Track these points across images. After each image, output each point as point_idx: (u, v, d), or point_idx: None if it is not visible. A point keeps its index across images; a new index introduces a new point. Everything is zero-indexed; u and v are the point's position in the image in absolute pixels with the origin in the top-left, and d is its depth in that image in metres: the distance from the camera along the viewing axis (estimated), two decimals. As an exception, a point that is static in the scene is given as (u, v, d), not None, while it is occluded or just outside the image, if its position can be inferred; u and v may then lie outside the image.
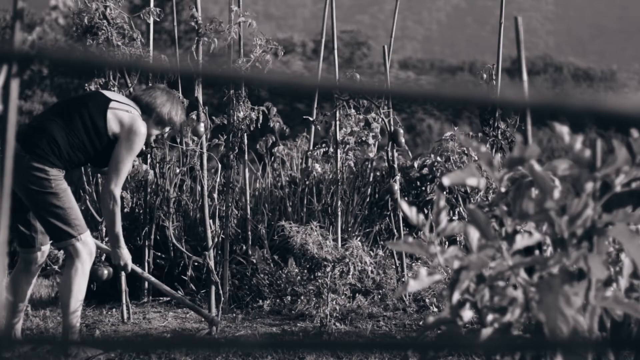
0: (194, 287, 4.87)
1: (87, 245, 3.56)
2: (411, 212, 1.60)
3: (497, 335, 1.46)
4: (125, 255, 3.77)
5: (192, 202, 5.26)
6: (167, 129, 3.92)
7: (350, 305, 4.48)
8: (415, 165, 5.77)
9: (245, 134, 4.77)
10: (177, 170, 5.11)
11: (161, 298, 4.85)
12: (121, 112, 3.62)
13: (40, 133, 3.50)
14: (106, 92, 3.76)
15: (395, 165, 5.08)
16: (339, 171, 5.15)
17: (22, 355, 2.94)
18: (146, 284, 4.84)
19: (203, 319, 4.20)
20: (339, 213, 5.11)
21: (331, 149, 5.44)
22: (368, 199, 5.55)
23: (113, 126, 3.60)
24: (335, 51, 5.32)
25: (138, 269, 4.01)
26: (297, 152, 6.20)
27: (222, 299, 4.31)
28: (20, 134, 3.51)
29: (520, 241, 1.52)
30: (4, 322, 3.66)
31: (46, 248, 3.73)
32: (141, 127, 3.63)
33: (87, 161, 3.71)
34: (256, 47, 4.38)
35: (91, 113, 3.59)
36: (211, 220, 4.54)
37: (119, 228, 3.68)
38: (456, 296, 1.46)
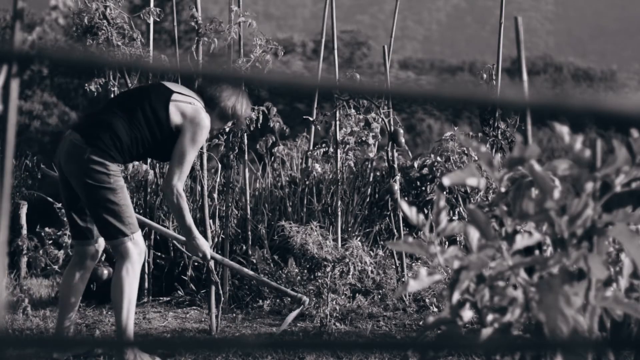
0: (194, 287, 4.87)
1: (138, 245, 3.46)
2: (411, 212, 1.60)
3: (497, 335, 1.46)
4: (202, 245, 3.68)
5: (192, 202, 5.26)
6: (229, 123, 3.85)
7: (350, 305, 4.48)
8: (415, 165, 5.77)
9: (245, 134, 4.77)
10: (177, 170, 5.10)
11: (161, 298, 4.85)
12: (184, 104, 3.54)
13: (103, 126, 3.43)
14: (168, 84, 3.67)
15: (395, 165, 5.08)
16: (339, 171, 5.15)
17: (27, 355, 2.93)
18: (146, 283, 4.84)
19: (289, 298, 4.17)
20: (339, 213, 5.11)
21: (331, 149, 5.44)
22: (368, 199, 5.55)
23: (175, 119, 3.52)
24: (335, 51, 5.32)
25: (218, 256, 3.97)
26: (297, 152, 6.20)
27: (222, 299, 4.31)
28: (82, 125, 3.47)
29: (520, 241, 1.52)
30: (57, 319, 3.64)
31: (102, 241, 3.63)
32: (205, 120, 3.54)
33: (147, 154, 3.65)
34: (256, 47, 4.38)
35: (153, 105, 3.51)
36: (211, 220, 4.54)
37: (189, 220, 3.59)
38: (456, 296, 1.46)
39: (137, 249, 3.46)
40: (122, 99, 3.62)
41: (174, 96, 3.55)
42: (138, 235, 3.47)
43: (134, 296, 3.46)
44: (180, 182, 3.50)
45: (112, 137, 3.41)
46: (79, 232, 3.59)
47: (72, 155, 3.40)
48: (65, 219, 4.78)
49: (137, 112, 3.49)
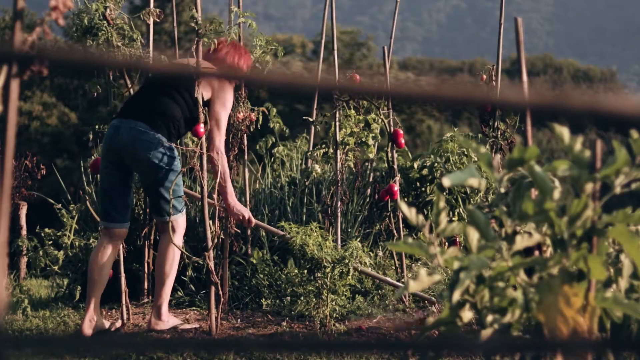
0: (193, 288, 4.87)
1: (184, 219, 4.00)
2: (411, 213, 1.60)
3: (496, 335, 1.46)
4: (243, 207, 4.11)
5: (192, 202, 5.26)
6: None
7: (350, 306, 4.48)
8: (415, 166, 5.77)
9: (245, 135, 4.77)
10: (177, 171, 5.10)
11: (161, 299, 4.85)
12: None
13: (163, 113, 3.83)
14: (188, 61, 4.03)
15: (395, 166, 5.08)
16: (338, 172, 5.15)
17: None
18: (146, 283, 4.84)
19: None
20: (339, 214, 5.11)
21: (331, 150, 5.44)
22: (368, 200, 5.55)
23: (206, 93, 3.89)
24: (335, 52, 5.32)
25: (261, 223, 4.44)
26: (297, 153, 6.20)
27: (222, 299, 4.31)
28: (141, 113, 3.82)
29: (520, 242, 1.52)
30: (91, 296, 3.88)
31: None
32: (229, 85, 3.96)
33: (186, 131, 4.05)
34: (256, 48, 4.38)
35: (186, 86, 3.86)
36: (211, 221, 4.53)
37: (230, 183, 4.06)
38: (456, 297, 1.46)
39: (184, 222, 4.01)
40: (159, 84, 3.96)
41: None
42: (184, 210, 4.00)
43: (176, 262, 4.01)
44: (221, 144, 3.95)
45: (172, 121, 3.84)
46: (123, 216, 3.92)
47: (139, 142, 3.77)
48: (62, 218, 4.79)
49: (177, 96, 3.88)
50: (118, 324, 4.09)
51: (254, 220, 4.17)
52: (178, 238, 3.94)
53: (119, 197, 3.89)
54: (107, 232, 3.90)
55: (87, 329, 3.84)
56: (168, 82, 3.93)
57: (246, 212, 4.10)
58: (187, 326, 4.11)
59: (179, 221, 3.93)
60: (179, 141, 4.96)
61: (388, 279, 4.67)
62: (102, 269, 3.88)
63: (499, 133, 5.41)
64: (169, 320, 4.02)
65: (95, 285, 3.87)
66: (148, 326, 4.03)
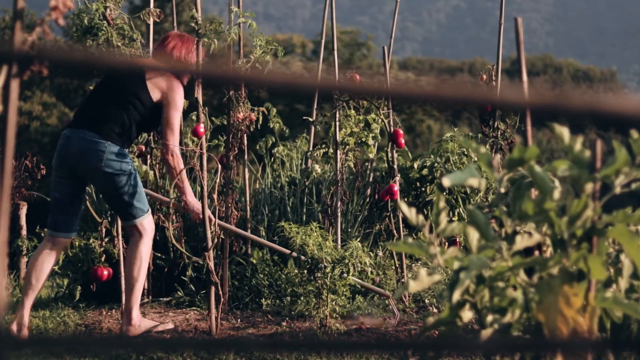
0: (193, 288, 4.87)
1: (150, 218, 3.91)
2: (411, 213, 1.60)
3: (496, 335, 1.46)
4: (198, 203, 4.03)
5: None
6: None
7: (350, 306, 4.48)
8: (415, 166, 5.77)
9: (245, 135, 4.77)
10: (177, 171, 5.10)
11: (161, 298, 4.86)
12: (156, 78, 3.86)
13: (110, 119, 3.79)
14: None
15: (395, 166, 5.08)
16: (338, 172, 5.15)
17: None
18: (146, 284, 4.84)
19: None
20: (339, 214, 5.11)
21: (331, 150, 5.44)
22: (368, 200, 5.55)
23: (155, 95, 3.84)
24: (335, 52, 5.32)
25: (223, 223, 4.39)
26: (297, 153, 6.20)
27: (222, 299, 4.31)
28: (88, 122, 3.78)
29: (520, 242, 1.52)
30: (18, 310, 3.84)
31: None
32: (178, 84, 3.90)
33: (139, 132, 4.01)
34: (256, 48, 4.38)
35: (132, 90, 3.82)
36: (211, 221, 4.53)
37: (186, 179, 4.03)
38: (456, 297, 1.46)
39: (151, 223, 3.92)
40: (105, 91, 3.89)
41: (147, 74, 3.86)
42: (149, 210, 3.92)
43: (145, 266, 3.90)
44: (176, 147, 3.89)
45: (121, 127, 3.79)
46: (68, 226, 3.89)
47: (89, 151, 3.73)
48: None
49: (123, 100, 3.82)
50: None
51: (213, 219, 4.09)
52: (147, 240, 3.89)
53: (70, 207, 3.86)
54: (51, 239, 3.88)
55: (14, 331, 3.80)
56: (115, 87, 3.86)
57: (198, 206, 4.05)
58: (161, 327, 4.04)
59: (144, 223, 3.86)
60: (179, 141, 4.96)
61: (376, 288, 4.64)
62: (40, 275, 3.83)
63: (499, 133, 5.42)
64: (140, 324, 3.95)
65: (32, 289, 3.83)
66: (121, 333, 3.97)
